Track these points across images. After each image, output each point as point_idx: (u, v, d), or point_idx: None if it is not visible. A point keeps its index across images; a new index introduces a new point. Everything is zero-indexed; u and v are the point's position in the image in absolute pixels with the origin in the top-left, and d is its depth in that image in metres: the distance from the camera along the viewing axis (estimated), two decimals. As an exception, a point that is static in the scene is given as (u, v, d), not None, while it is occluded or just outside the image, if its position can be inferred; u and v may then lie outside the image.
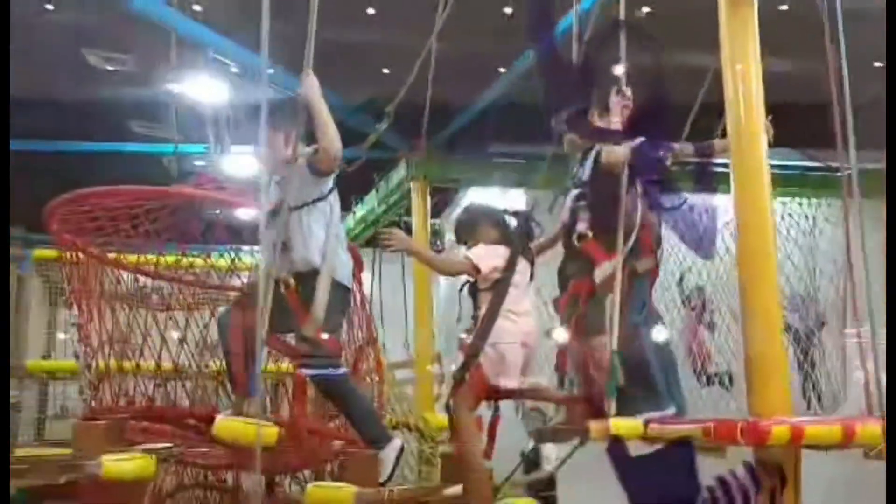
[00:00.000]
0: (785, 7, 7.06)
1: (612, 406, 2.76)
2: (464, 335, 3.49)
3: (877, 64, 5.34)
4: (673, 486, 2.53)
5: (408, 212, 7.40)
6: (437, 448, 4.93)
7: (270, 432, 2.79)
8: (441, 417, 6.15)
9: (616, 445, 2.66)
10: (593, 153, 3.30)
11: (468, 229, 3.63)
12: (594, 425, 2.74)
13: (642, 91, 2.98)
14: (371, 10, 6.54)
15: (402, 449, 3.23)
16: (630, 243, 3.10)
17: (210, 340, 4.33)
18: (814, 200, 6.77)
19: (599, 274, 3.08)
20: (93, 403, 4.14)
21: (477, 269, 3.37)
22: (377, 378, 4.55)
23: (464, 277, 3.62)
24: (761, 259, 2.96)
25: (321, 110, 3.05)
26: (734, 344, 6.85)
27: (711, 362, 6.77)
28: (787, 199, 6.85)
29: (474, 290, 3.57)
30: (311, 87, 3.01)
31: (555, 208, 3.60)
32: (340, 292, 3.27)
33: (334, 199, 3.34)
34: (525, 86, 5.54)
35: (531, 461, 6.64)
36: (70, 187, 3.98)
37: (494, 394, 3.25)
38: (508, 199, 7.51)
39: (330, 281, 3.18)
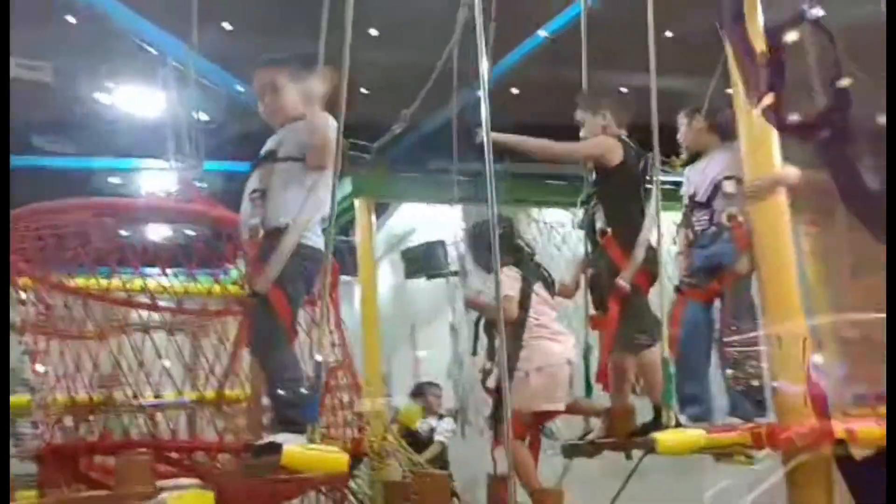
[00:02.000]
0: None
1: (671, 416, 2.80)
2: (486, 374, 3.41)
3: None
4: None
5: (344, 230, 7.25)
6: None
7: (343, 459, 2.63)
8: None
9: (842, 450, 2.69)
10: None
11: (480, 244, 3.59)
12: (661, 437, 2.76)
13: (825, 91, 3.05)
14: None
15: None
16: (643, 244, 3.17)
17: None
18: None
19: (625, 277, 3.11)
20: (50, 438, 3.79)
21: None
22: (355, 398, 4.41)
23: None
24: (780, 265, 3.10)
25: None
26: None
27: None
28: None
29: (490, 323, 3.51)
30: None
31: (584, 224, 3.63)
32: (308, 257, 2.94)
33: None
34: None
35: (420, 440, 6.66)
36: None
37: (543, 418, 3.21)
38: (446, 215, 7.59)
39: (296, 239, 2.90)
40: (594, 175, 3.50)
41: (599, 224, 3.34)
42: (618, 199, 3.33)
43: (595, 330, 3.37)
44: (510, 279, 3.47)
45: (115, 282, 4.13)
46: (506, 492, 3.20)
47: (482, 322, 3.58)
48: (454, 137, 4.28)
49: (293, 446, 2.60)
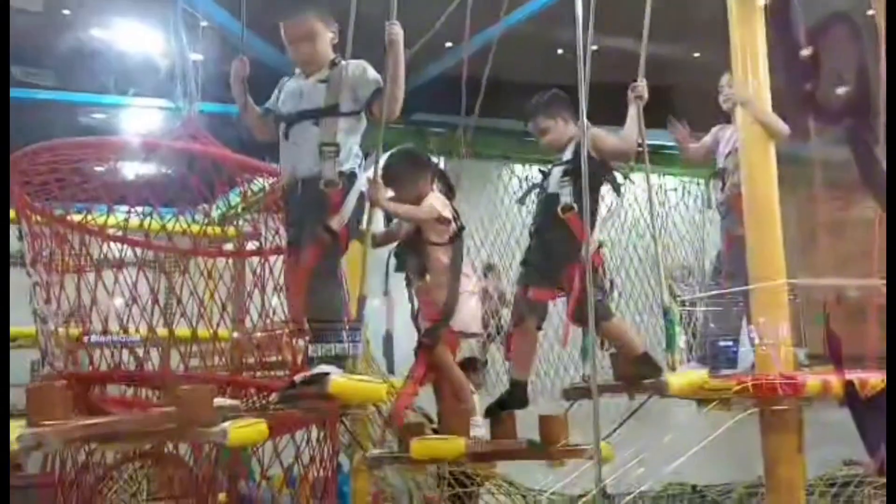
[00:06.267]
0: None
1: (675, 361, 3.09)
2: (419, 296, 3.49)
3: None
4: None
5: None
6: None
7: (382, 389, 2.93)
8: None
9: (851, 391, 3.00)
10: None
11: (404, 174, 3.51)
12: (673, 378, 3.05)
13: (852, 83, 3.30)
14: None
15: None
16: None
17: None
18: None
19: (586, 252, 3.26)
20: (64, 367, 3.90)
21: (442, 219, 3.42)
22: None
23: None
24: (767, 228, 3.39)
25: (399, 63, 3.08)
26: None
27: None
28: (686, 180, 7.56)
29: (421, 247, 3.48)
30: (396, 35, 3.07)
31: (526, 199, 3.80)
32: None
33: None
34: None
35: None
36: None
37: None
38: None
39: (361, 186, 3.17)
40: (570, 150, 3.54)
41: (566, 199, 3.41)
42: (591, 180, 3.33)
43: (539, 301, 3.49)
44: (445, 204, 3.50)
45: (134, 220, 4.20)
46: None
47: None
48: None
49: (338, 376, 2.82)
